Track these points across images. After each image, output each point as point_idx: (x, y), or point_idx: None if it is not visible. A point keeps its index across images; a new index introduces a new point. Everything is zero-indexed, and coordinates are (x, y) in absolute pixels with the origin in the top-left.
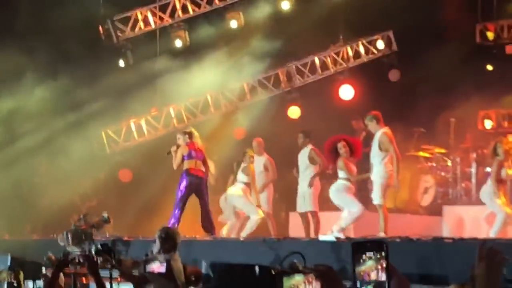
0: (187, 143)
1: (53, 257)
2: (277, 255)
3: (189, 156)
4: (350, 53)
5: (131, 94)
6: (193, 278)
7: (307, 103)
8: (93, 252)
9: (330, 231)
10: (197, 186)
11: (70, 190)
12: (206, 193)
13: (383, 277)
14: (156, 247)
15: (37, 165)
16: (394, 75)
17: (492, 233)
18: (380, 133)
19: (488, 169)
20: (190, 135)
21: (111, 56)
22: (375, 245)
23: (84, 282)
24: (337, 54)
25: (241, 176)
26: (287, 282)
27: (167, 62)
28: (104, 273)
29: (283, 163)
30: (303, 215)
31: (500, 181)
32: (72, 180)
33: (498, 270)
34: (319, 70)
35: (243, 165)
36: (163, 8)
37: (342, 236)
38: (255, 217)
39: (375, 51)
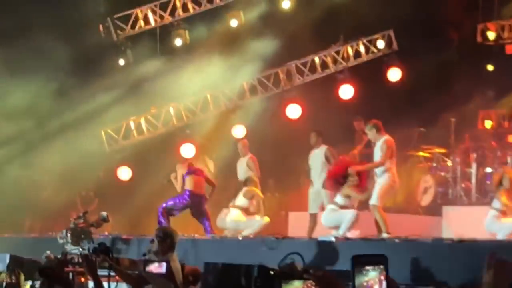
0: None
1: (51, 256)
2: (276, 255)
3: (189, 173)
4: (350, 52)
5: (131, 93)
6: (191, 278)
7: (306, 102)
8: (91, 251)
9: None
10: (196, 206)
11: (70, 188)
12: (204, 210)
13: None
14: (154, 247)
15: (37, 163)
16: (394, 75)
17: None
18: (381, 141)
19: (488, 170)
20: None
21: (111, 54)
22: (375, 258)
23: (83, 281)
24: (337, 53)
25: (241, 200)
26: (286, 287)
27: (167, 61)
28: (102, 272)
29: (280, 162)
30: (313, 216)
31: (504, 213)
32: (71, 178)
33: (507, 279)
34: (319, 69)
35: (244, 189)
36: (163, 7)
37: (355, 233)
38: (260, 221)
39: (375, 50)
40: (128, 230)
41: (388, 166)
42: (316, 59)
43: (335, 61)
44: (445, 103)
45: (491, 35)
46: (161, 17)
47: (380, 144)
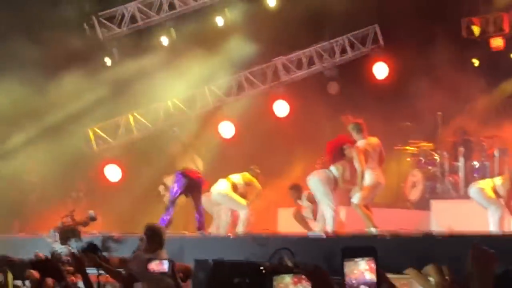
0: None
1: (41, 255)
2: (266, 251)
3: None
4: (336, 49)
5: (118, 92)
6: (182, 275)
7: (293, 98)
8: (80, 250)
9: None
10: (194, 186)
11: (59, 188)
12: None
13: (373, 280)
14: (142, 244)
15: (26, 162)
16: (380, 70)
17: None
18: (358, 144)
19: (475, 163)
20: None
21: (97, 53)
22: (365, 250)
23: (73, 280)
24: (324, 50)
25: (236, 178)
26: (277, 282)
27: (153, 59)
28: (91, 270)
29: (270, 157)
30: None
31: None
32: (60, 178)
33: (491, 270)
34: (306, 66)
35: (244, 173)
36: (149, 5)
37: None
38: (243, 212)
39: (361, 46)
40: (118, 228)
41: (371, 167)
42: (303, 56)
43: (321, 58)
44: (432, 97)
45: (476, 29)
46: (147, 15)
47: (354, 154)
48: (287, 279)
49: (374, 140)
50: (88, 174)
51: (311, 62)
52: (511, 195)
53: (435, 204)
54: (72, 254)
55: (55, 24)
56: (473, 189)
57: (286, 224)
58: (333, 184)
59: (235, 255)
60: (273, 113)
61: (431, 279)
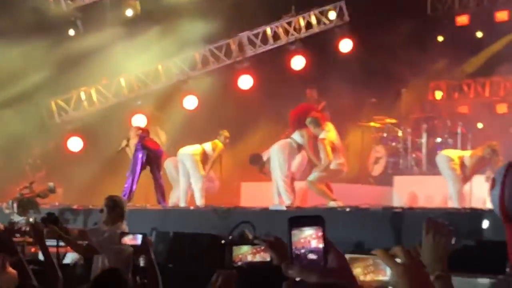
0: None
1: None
2: (228, 224)
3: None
4: (302, 23)
5: (82, 63)
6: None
7: (258, 73)
8: (39, 221)
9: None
10: (154, 158)
11: (19, 159)
12: (160, 166)
13: (320, 248)
14: (103, 216)
15: None
16: (345, 46)
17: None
18: (319, 140)
19: (439, 140)
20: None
21: (60, 24)
22: (312, 219)
23: (33, 251)
24: (289, 24)
25: (207, 146)
26: (235, 252)
27: (118, 32)
28: (51, 242)
29: (235, 132)
30: None
31: None
32: (21, 149)
33: (445, 242)
34: (271, 40)
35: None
36: None
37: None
38: (198, 183)
39: (327, 22)
40: (79, 200)
41: (338, 157)
42: (268, 30)
43: (287, 32)
44: (396, 74)
45: (440, 7)
46: None
47: (318, 143)
48: (246, 249)
49: (332, 128)
50: (49, 145)
51: (276, 37)
52: (474, 170)
53: (397, 180)
54: (31, 225)
55: None
56: (441, 156)
57: (249, 198)
58: (296, 152)
59: (196, 228)
60: (238, 88)
61: (399, 260)
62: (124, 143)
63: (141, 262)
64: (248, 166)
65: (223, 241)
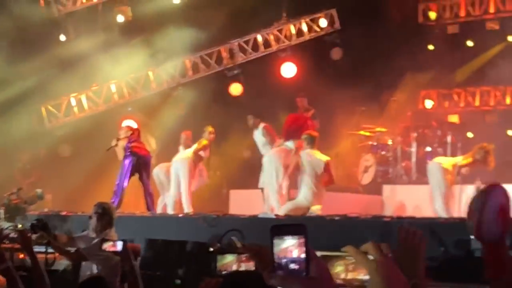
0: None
1: None
2: (217, 232)
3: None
4: (293, 31)
5: (72, 69)
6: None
7: (249, 80)
8: (27, 228)
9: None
10: (142, 165)
11: (9, 165)
12: (149, 173)
13: (302, 258)
14: (92, 223)
15: None
16: (336, 54)
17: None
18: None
19: (428, 149)
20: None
21: (52, 30)
22: (294, 228)
23: (22, 257)
24: (280, 31)
25: (194, 147)
26: (220, 262)
27: (109, 37)
28: (40, 248)
29: (223, 140)
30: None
31: None
32: (11, 155)
33: (418, 250)
34: (262, 48)
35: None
36: None
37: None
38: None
39: (318, 29)
40: (68, 207)
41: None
42: (259, 38)
43: (277, 40)
44: (386, 82)
45: (432, 15)
46: None
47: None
48: (230, 258)
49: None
50: (39, 151)
51: (267, 44)
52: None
53: (387, 189)
54: (19, 232)
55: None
56: (434, 164)
57: (238, 206)
58: (292, 154)
59: (185, 235)
60: (228, 95)
61: (370, 256)
62: (114, 142)
63: None
64: (236, 174)
65: (211, 249)
